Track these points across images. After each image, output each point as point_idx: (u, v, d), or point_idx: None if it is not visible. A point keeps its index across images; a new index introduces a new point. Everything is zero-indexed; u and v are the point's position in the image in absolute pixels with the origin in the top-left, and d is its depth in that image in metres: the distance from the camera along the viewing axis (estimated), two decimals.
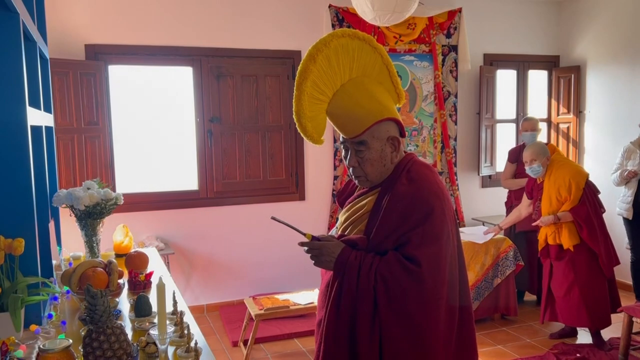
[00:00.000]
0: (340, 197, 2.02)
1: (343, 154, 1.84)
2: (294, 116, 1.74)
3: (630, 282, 4.83)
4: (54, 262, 2.31)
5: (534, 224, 4.01)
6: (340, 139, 1.82)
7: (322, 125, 1.80)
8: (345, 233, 1.84)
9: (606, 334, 3.98)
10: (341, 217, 1.91)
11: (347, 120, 1.76)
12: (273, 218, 1.87)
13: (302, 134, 1.77)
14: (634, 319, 3.47)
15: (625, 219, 4.55)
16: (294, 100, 1.73)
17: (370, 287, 1.66)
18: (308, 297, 4.06)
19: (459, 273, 1.79)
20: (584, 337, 4.08)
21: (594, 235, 3.74)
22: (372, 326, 1.67)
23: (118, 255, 2.91)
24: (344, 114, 1.76)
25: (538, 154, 3.86)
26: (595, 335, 3.93)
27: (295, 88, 1.73)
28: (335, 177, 5.22)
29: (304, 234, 1.80)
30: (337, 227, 1.96)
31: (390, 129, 1.78)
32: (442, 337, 1.69)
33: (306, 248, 1.78)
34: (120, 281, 2.21)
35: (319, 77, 1.73)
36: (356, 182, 1.85)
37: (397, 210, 1.69)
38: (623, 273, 4.85)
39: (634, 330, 3.54)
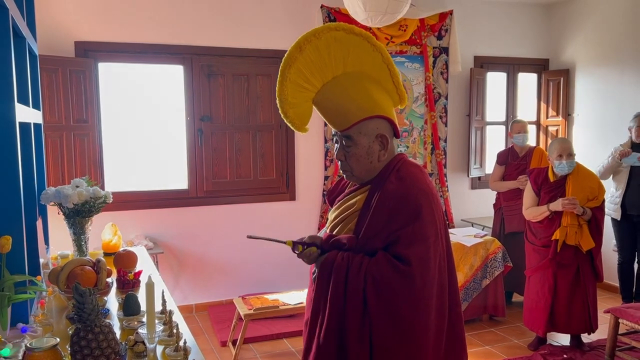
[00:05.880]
0: (331, 196, 2.01)
1: (334, 148, 1.84)
2: (277, 101, 1.76)
3: (616, 283, 4.89)
4: (41, 260, 2.29)
5: (565, 207, 3.63)
6: (333, 131, 1.83)
7: (306, 113, 1.81)
8: (335, 231, 1.84)
9: (591, 335, 4.01)
10: (331, 215, 1.91)
11: (334, 113, 1.76)
12: (249, 236, 1.86)
13: (284, 120, 1.79)
14: (620, 321, 3.50)
15: (614, 220, 4.60)
16: (277, 86, 1.75)
17: (360, 288, 1.66)
18: (297, 297, 4.06)
19: (448, 274, 1.78)
20: (564, 339, 4.12)
21: (600, 240, 3.75)
22: (362, 326, 1.66)
23: (107, 254, 2.90)
24: (332, 106, 1.77)
25: (573, 149, 3.76)
26: (575, 337, 3.96)
27: (279, 73, 1.75)
28: (326, 178, 5.23)
29: (284, 242, 1.80)
30: (327, 227, 1.96)
31: (381, 127, 1.76)
32: (432, 337, 1.69)
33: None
34: (109, 280, 2.20)
35: (305, 65, 1.74)
36: (344, 175, 1.86)
37: (386, 208, 1.69)
38: (610, 275, 4.90)
39: (619, 332, 3.57)
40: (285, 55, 1.74)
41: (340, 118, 1.75)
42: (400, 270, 1.63)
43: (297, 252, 1.80)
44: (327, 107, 1.78)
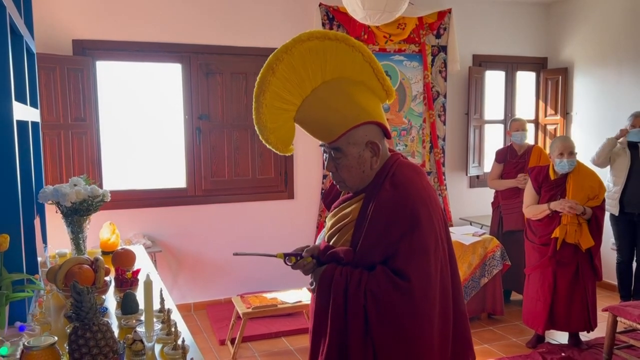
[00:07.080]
0: (327, 199, 1.96)
1: (323, 157, 1.77)
2: (255, 128, 1.68)
3: (614, 282, 4.90)
4: (39, 258, 2.28)
5: (565, 211, 3.65)
6: (320, 142, 1.73)
7: (288, 135, 1.72)
8: (332, 241, 1.78)
9: (589, 333, 4.02)
10: (328, 221, 1.85)
11: (319, 128, 1.68)
12: (236, 254, 1.80)
13: (267, 146, 1.71)
14: (618, 319, 3.51)
15: (613, 219, 4.60)
16: (253, 113, 1.66)
17: (360, 304, 1.61)
18: (296, 295, 4.06)
19: (452, 277, 1.73)
20: (562, 337, 4.12)
21: (600, 238, 3.75)
22: (365, 341, 1.62)
23: (105, 253, 2.90)
24: (314, 121, 1.67)
25: (574, 147, 3.76)
26: (573, 336, 3.97)
27: (253, 100, 1.64)
28: (324, 176, 5.22)
29: (274, 256, 1.75)
30: (324, 232, 1.92)
31: (370, 133, 1.66)
32: (436, 345, 1.64)
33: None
34: (107, 278, 2.20)
35: (280, 87, 1.64)
36: (337, 186, 1.80)
37: (382, 219, 1.62)
38: (608, 273, 4.90)
39: (617, 330, 3.58)
40: (258, 79, 1.63)
41: (325, 132, 1.65)
42: (400, 286, 1.57)
43: (290, 264, 1.75)
44: (310, 124, 1.69)
